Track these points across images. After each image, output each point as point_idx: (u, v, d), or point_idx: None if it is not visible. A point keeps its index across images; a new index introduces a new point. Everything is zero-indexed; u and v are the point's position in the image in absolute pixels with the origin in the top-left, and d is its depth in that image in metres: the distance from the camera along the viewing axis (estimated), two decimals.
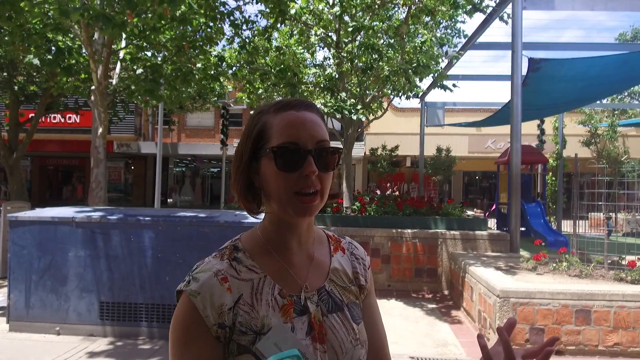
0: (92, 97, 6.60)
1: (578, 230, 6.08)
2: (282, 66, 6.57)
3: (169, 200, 22.69)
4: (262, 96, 9.02)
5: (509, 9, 7.10)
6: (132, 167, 23.49)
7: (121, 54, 7.44)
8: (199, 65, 8.15)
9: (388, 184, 19.42)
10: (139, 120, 21.30)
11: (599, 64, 7.58)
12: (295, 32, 8.52)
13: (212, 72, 8.26)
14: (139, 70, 7.10)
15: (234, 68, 8.43)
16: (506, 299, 4.29)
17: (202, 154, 22.08)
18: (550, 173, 14.13)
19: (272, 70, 6.91)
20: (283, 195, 0.87)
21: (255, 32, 7.54)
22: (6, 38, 6.79)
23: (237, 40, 7.76)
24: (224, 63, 8.17)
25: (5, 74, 10.24)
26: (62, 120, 19.71)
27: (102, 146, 6.70)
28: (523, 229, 10.53)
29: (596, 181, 6.19)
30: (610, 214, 12.62)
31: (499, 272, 5.11)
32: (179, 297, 0.87)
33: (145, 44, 7.03)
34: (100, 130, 6.64)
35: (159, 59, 7.63)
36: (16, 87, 10.60)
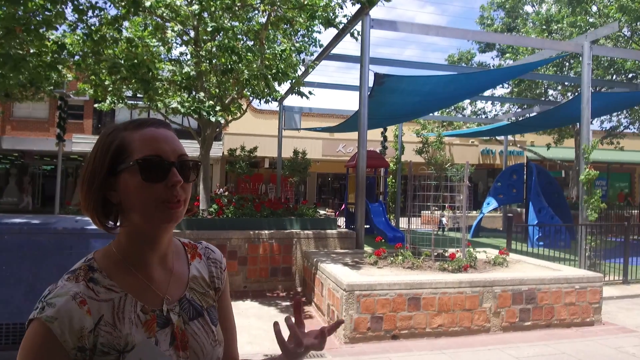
0: None
1: (410, 227, 6.95)
2: (135, 61, 6.17)
3: (20, 205, 19.44)
4: (110, 88, 8.34)
5: (359, 26, 7.76)
6: None
7: None
8: (33, 50, 7.19)
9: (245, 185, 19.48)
10: None
11: (431, 82, 8.73)
12: (149, 25, 8.07)
13: (49, 59, 7.36)
14: None
15: (77, 57, 7.63)
16: (351, 292, 4.72)
17: (32, 150, 19.39)
18: (391, 176, 15.76)
19: (124, 63, 6.43)
20: (149, 206, 0.91)
21: (103, 20, 6.95)
22: None
23: (81, 26, 7.05)
24: (65, 50, 7.34)
25: None
26: None
27: None
28: (367, 226, 11.56)
29: (426, 184, 7.15)
30: (444, 212, 14.62)
31: (346, 267, 5.58)
32: (31, 324, 0.84)
33: None
34: None
35: None
36: None
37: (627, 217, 11.19)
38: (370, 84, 7.97)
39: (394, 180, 15.79)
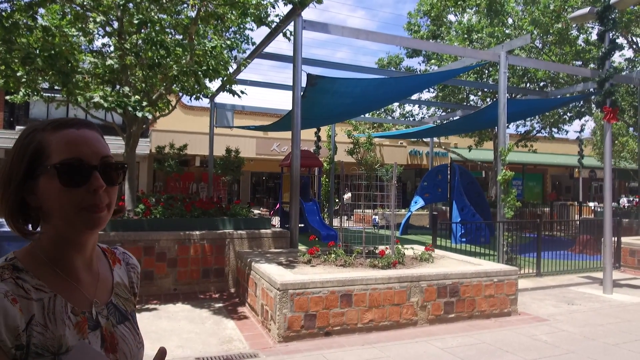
0: None
1: (343, 225, 7.09)
2: (53, 51, 5.74)
3: None
4: (23, 80, 7.68)
5: (291, 27, 7.78)
6: None
7: None
8: None
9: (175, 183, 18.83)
10: None
11: (363, 84, 8.96)
12: (68, 14, 7.54)
13: None
14: None
15: None
16: (285, 291, 4.73)
17: None
18: (325, 175, 15.98)
19: (39, 54, 5.96)
20: (70, 212, 0.88)
21: (15, 6, 6.39)
22: None
23: None
24: None
25: None
26: None
27: None
28: (302, 225, 11.64)
29: (357, 184, 7.32)
30: (377, 210, 15.01)
31: (280, 267, 5.58)
32: None
33: None
34: None
35: None
36: None
37: (539, 214, 12.20)
38: (303, 84, 8.02)
39: (327, 180, 16.02)
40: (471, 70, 15.21)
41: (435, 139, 20.16)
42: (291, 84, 7.86)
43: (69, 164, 0.87)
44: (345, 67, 11.69)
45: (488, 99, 17.90)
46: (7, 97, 9.24)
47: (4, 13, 6.25)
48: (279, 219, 14.07)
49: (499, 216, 8.60)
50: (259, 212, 15.16)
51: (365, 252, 6.30)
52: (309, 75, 8.05)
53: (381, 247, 6.52)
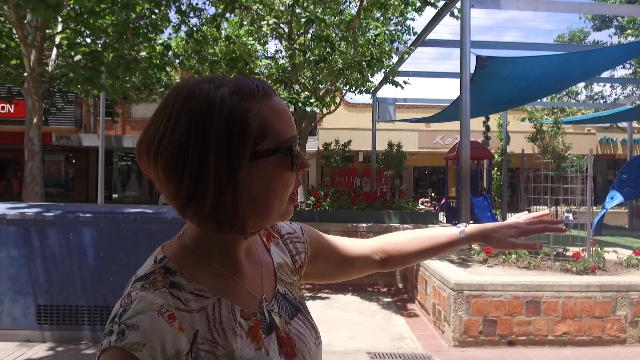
0: (25, 85, 6.08)
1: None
2: (234, 55, 6.34)
3: (114, 195, 21.67)
4: None
5: (458, 6, 7.22)
6: (74, 161, 22.16)
7: (57, 38, 6.90)
8: (143, 53, 7.72)
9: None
10: (79, 111, 20.09)
11: (541, 64, 7.88)
12: (245, 22, 8.27)
13: (158, 62, 7.86)
14: (77, 57, 6.61)
15: (181, 57, 8.07)
16: (460, 292, 4.33)
17: None
18: (496, 168, 14.69)
19: (222, 59, 6.66)
20: (284, 200, 0.72)
21: (204, 20, 7.24)
22: None
23: (184, 28, 7.43)
24: (171, 52, 7.79)
25: None
26: None
27: (37, 137, 6.19)
28: (472, 222, 10.85)
29: (541, 175, 6.42)
30: (570, 207, 13.21)
31: (452, 265, 5.17)
32: (107, 357, 0.62)
33: (83, 28, 6.55)
34: (35, 120, 6.13)
35: (99, 45, 7.15)
36: None
37: None
38: (472, 68, 7.39)
39: (499, 173, 14.70)
40: None
41: (635, 124, 16.94)
42: (454, 72, 7.32)
43: (296, 143, 0.71)
44: (516, 47, 10.51)
45: None
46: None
47: (195, 28, 7.15)
48: (445, 214, 13.42)
49: None
50: (423, 207, 14.72)
51: (553, 254, 5.46)
52: (478, 57, 7.37)
53: (575, 249, 5.58)
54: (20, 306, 4.19)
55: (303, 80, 7.88)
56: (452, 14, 7.34)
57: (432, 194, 22.45)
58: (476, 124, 15.75)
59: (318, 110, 7.25)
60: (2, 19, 6.58)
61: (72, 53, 6.90)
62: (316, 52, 7.02)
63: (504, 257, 5.47)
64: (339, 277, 1.06)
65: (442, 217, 12.24)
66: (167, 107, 0.68)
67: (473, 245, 1.02)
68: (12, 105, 16.52)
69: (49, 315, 4.21)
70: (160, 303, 0.64)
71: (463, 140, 7.13)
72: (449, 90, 28.32)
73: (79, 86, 7.12)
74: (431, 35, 9.03)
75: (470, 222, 7.44)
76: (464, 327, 4.31)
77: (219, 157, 0.65)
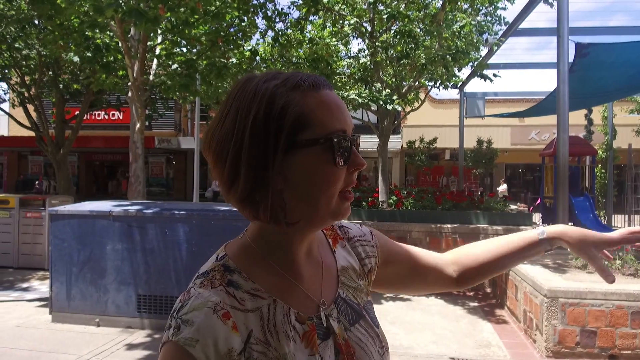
0: (129, 93, 6.70)
1: (632, 225, 5.66)
2: (315, 55, 6.46)
3: (206, 194, 23.17)
4: None
5: None
6: (174, 162, 24.06)
7: (157, 49, 7.52)
8: (233, 59, 8.15)
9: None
10: (178, 116, 21.76)
11: None
12: (328, 24, 8.39)
13: (246, 67, 8.25)
14: (174, 66, 7.15)
15: (268, 62, 8.39)
16: (554, 299, 4.02)
17: None
18: (600, 165, 13.37)
19: (305, 60, 6.82)
20: (332, 196, 0.70)
21: (288, 24, 7.46)
22: (49, 37, 6.98)
23: (270, 33, 7.71)
24: (258, 57, 8.13)
25: (50, 72, 10.62)
26: (106, 117, 20.45)
27: (140, 141, 6.79)
28: (571, 224, 10.01)
29: None
30: None
31: (546, 270, 4.81)
32: (164, 349, 0.65)
33: (180, 39, 7.07)
34: (138, 125, 6.73)
35: (194, 54, 7.67)
36: (61, 86, 10.98)
37: None
38: (571, 57, 6.80)
39: (603, 171, 13.36)
40: None
41: None
42: (551, 61, 6.78)
43: (342, 136, 0.69)
44: (622, 31, 9.47)
45: None
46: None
47: (280, 32, 7.39)
48: (541, 215, 12.50)
49: None
50: (515, 207, 13.84)
51: None
52: (577, 45, 6.77)
53: None
54: (123, 295, 4.63)
55: (385, 78, 7.79)
56: (546, 1, 6.80)
57: (528, 195, 20.95)
58: (577, 117, 14.50)
59: (400, 108, 7.13)
60: (111, 34, 7.31)
61: (170, 62, 7.49)
62: (398, 48, 6.92)
63: (606, 262, 4.96)
64: (409, 288, 1.03)
65: (536, 218, 11.42)
66: (225, 102, 0.73)
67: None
68: (121, 113, 18.36)
69: (148, 304, 4.61)
70: (215, 301, 0.66)
71: (561, 135, 6.61)
72: (545, 82, 26.22)
73: (177, 93, 7.71)
74: (524, 24, 8.46)
75: (569, 224, 6.89)
76: (559, 337, 3.99)
77: (255, 143, 0.66)
